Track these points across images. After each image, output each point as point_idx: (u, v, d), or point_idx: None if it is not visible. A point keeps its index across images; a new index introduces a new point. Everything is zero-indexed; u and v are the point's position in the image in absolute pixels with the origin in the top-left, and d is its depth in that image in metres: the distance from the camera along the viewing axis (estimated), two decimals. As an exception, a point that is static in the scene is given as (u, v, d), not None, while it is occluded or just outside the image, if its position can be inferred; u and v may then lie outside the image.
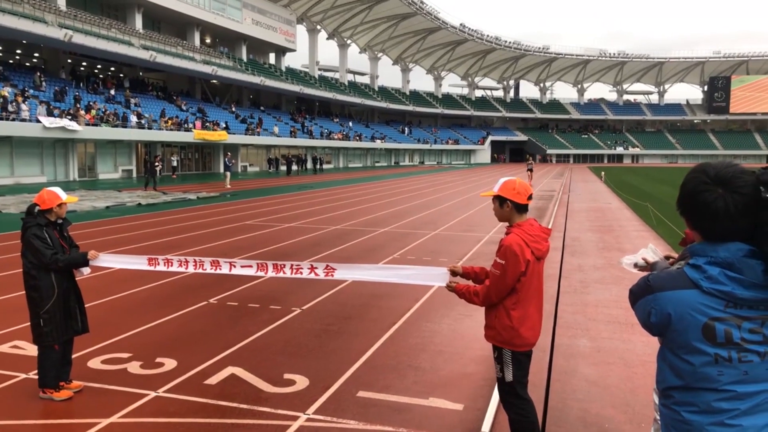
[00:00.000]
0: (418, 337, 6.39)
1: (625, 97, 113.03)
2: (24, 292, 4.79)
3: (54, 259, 4.65)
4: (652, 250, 2.72)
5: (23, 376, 5.17)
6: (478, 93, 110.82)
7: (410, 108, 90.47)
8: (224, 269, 4.91)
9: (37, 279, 4.68)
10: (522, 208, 3.61)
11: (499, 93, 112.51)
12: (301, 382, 5.07)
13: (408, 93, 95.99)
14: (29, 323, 4.79)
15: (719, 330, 1.69)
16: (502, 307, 3.56)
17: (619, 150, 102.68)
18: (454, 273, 3.93)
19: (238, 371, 5.28)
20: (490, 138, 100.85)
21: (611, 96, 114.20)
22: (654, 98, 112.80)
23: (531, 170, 37.48)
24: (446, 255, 11.45)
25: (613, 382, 5.19)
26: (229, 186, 30.89)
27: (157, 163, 29.79)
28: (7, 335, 6.25)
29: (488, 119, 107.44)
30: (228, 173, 32.14)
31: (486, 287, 3.58)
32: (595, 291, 8.60)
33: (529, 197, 3.63)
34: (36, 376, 4.85)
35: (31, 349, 5.53)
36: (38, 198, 4.81)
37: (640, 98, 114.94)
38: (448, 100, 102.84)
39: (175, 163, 43.56)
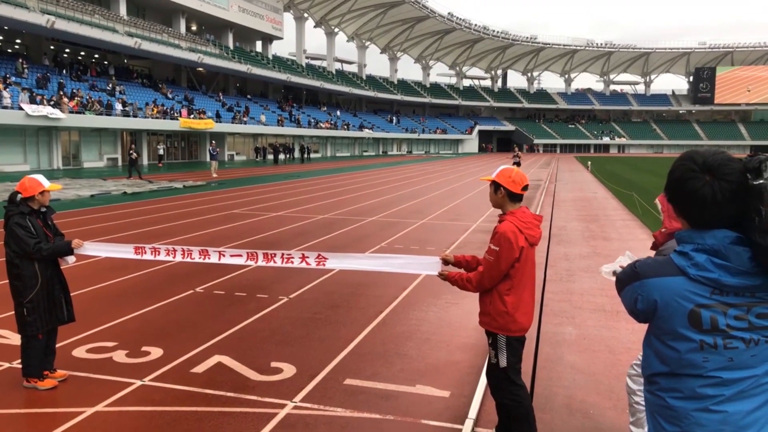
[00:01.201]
0: (405, 326, 6.40)
1: (612, 87, 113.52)
2: (7, 281, 4.73)
3: (37, 248, 4.58)
4: (629, 256, 2.75)
5: (6, 365, 5.12)
6: (466, 82, 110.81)
7: (398, 97, 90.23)
8: (213, 258, 4.87)
9: (20, 268, 4.61)
10: (515, 197, 3.63)
11: (487, 83, 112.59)
12: (288, 370, 5.07)
13: (396, 82, 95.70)
14: (12, 312, 4.73)
15: (705, 317, 1.70)
16: (496, 292, 3.59)
17: (606, 140, 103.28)
18: (445, 262, 3.95)
19: (225, 360, 5.27)
20: (478, 128, 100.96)
21: (598, 86, 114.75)
22: (640, 88, 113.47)
23: (518, 164, 35.52)
24: (434, 244, 11.47)
25: (599, 369, 5.24)
26: (215, 175, 30.69)
27: (131, 152, 29.43)
28: (-10, 324, 6.18)
29: (476, 109, 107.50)
30: (214, 162, 31.91)
31: (480, 273, 3.61)
32: (581, 279, 8.67)
33: (524, 188, 3.63)
34: (19, 365, 4.80)
35: (15, 338, 5.48)
36: (20, 185, 4.74)
37: (627, 88, 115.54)
38: (436, 89, 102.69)
39: (161, 152, 43.12)
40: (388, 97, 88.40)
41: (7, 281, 4.74)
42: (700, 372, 1.72)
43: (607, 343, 5.93)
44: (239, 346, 5.66)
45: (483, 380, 4.74)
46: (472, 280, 3.66)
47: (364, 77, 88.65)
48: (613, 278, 2.88)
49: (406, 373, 5.06)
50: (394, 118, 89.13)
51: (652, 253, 3.37)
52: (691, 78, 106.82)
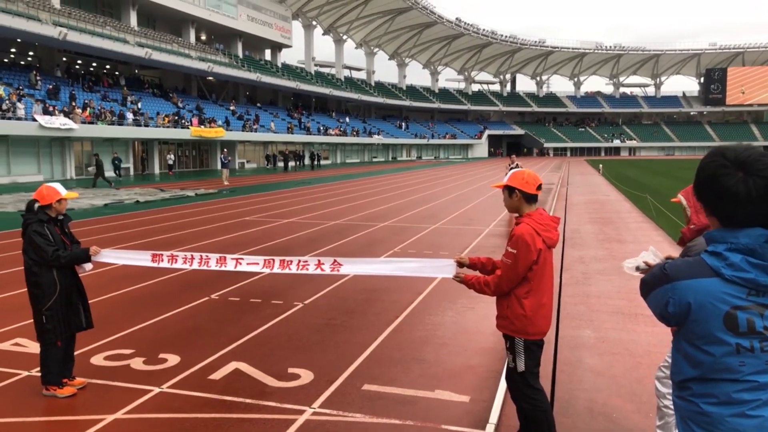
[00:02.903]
0: (422, 330, 6.36)
1: (622, 89, 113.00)
2: (26, 289, 4.75)
3: (56, 256, 4.60)
4: (653, 252, 2.69)
5: (26, 373, 5.13)
6: (475, 87, 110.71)
7: (407, 103, 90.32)
8: (230, 266, 4.86)
9: (38, 276, 4.63)
10: (531, 198, 3.60)
11: (496, 87, 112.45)
12: (306, 376, 5.05)
13: (404, 88, 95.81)
14: (31, 320, 4.75)
15: (741, 319, 1.64)
16: (514, 296, 3.55)
17: (616, 143, 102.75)
18: (460, 264, 3.91)
19: (243, 366, 5.25)
20: (487, 132, 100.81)
21: (608, 89, 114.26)
22: (650, 90, 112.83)
23: (513, 168, 33.01)
24: (447, 248, 11.42)
25: (619, 372, 5.18)
26: (226, 183, 30.81)
27: (90, 166, 29.75)
28: (9, 333, 6.21)
29: (485, 113, 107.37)
30: (225, 170, 32.06)
31: (497, 277, 3.57)
32: (597, 282, 8.59)
33: (539, 187, 3.61)
34: (38, 374, 4.82)
35: (33, 347, 5.50)
36: (37, 194, 4.76)
37: (637, 91, 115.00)
38: (444, 94, 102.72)
39: (171, 162, 43.35)
40: (397, 103, 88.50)
41: (24, 290, 4.76)
42: (736, 376, 1.67)
43: (627, 345, 5.86)
44: (256, 352, 5.64)
45: (503, 385, 4.69)
46: (489, 284, 3.62)
47: (373, 84, 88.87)
48: (636, 273, 2.83)
49: (425, 378, 5.02)
50: (403, 123, 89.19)
51: (673, 251, 3.31)
52: (702, 79, 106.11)
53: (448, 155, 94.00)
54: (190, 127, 43.32)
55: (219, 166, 34.76)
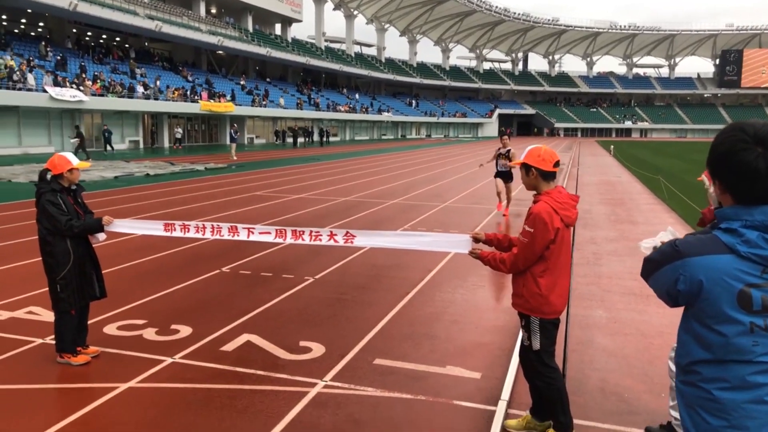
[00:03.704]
0: (432, 307, 6.36)
1: (635, 70, 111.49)
2: (39, 258, 4.76)
3: (69, 225, 4.60)
4: (671, 232, 2.63)
5: (40, 341, 5.17)
6: (486, 65, 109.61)
7: (417, 80, 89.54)
8: (242, 235, 4.86)
9: (52, 245, 4.64)
10: (548, 176, 3.54)
11: (508, 66, 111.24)
12: (317, 349, 5.06)
13: (415, 65, 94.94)
14: (46, 289, 4.78)
15: (756, 297, 1.60)
16: (530, 274, 3.51)
17: (628, 124, 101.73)
18: (476, 239, 3.86)
19: (254, 338, 5.28)
20: (498, 111, 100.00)
21: (621, 69, 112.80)
22: (664, 72, 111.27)
23: (507, 156, 22.73)
24: (456, 227, 11.38)
25: (631, 352, 5.16)
26: (234, 158, 30.81)
27: (72, 140, 29.71)
28: (23, 301, 6.27)
29: (496, 92, 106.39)
30: (233, 144, 32.04)
31: (514, 255, 3.52)
32: (609, 263, 8.54)
33: (556, 164, 3.55)
34: (53, 341, 4.86)
35: (47, 315, 5.55)
36: (50, 163, 4.75)
37: (650, 72, 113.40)
38: (455, 72, 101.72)
39: (179, 135, 43.30)
40: (408, 80, 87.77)
41: (38, 259, 4.78)
42: (749, 357, 1.61)
43: (638, 326, 5.84)
44: (267, 325, 5.66)
45: (514, 362, 4.69)
46: (505, 261, 3.58)
47: (383, 60, 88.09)
48: None
49: (436, 354, 5.03)
50: (413, 101, 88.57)
51: (687, 233, 3.26)
52: (717, 61, 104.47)
53: (458, 134, 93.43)
54: (199, 101, 43.20)
55: (228, 141, 34.73)
